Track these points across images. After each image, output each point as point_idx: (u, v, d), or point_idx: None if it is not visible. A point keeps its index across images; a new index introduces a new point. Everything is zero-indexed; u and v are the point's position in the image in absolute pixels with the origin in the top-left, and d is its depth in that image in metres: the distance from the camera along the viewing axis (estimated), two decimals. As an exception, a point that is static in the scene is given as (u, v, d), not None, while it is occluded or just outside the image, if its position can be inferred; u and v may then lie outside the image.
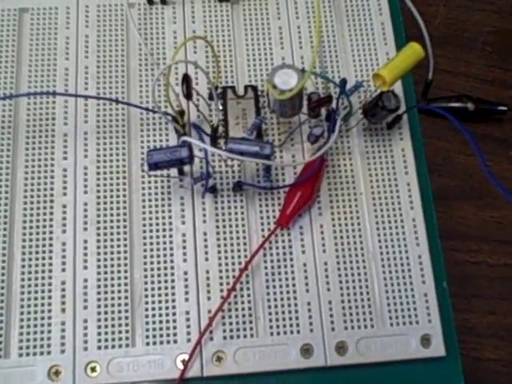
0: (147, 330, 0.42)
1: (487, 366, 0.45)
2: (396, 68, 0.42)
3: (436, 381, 0.43)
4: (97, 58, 0.48)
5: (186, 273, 0.43)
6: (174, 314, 0.43)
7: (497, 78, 0.53)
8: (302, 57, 0.49)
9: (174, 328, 0.42)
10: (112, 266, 0.43)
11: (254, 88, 0.48)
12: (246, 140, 0.42)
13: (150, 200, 0.45)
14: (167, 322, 0.42)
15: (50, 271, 0.43)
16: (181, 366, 0.41)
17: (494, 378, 0.45)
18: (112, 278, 0.43)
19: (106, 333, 0.42)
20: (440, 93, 0.51)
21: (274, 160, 0.45)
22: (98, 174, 0.45)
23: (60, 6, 0.50)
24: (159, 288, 0.43)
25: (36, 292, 0.43)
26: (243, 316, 0.43)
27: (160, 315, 0.43)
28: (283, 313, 0.43)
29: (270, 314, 0.43)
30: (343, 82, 0.45)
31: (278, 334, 0.42)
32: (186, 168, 0.45)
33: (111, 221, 0.44)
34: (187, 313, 0.43)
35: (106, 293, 0.43)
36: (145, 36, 0.49)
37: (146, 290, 0.43)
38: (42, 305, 0.42)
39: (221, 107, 0.47)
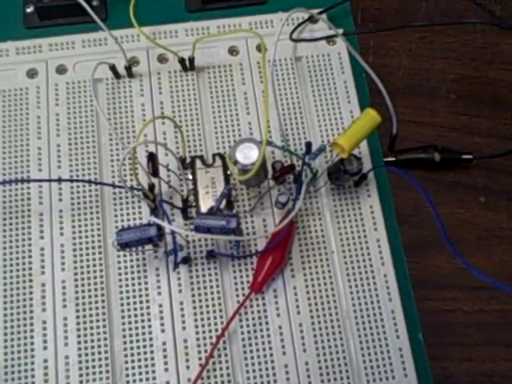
0: (129, 402, 0.43)
1: (465, 415, 0.46)
2: (354, 136, 0.43)
3: (414, 435, 0.44)
4: (68, 136, 0.50)
5: (164, 343, 0.44)
6: (155, 384, 0.43)
7: (462, 125, 0.54)
8: (269, 121, 0.50)
9: (156, 398, 0.43)
10: (92, 340, 0.44)
11: (222, 156, 0.49)
12: (212, 215, 0.43)
13: (126, 273, 0.46)
14: (148, 392, 0.43)
15: (32, 350, 0.44)
16: None
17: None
18: (93, 353, 0.44)
19: (90, 408, 0.43)
20: (407, 143, 0.52)
21: (242, 230, 0.47)
22: (75, 250, 0.46)
23: (30, 86, 0.51)
24: (139, 360, 0.44)
25: (19, 372, 0.44)
26: (222, 382, 0.44)
27: (141, 387, 0.43)
28: (261, 376, 0.44)
29: (248, 378, 0.44)
30: (308, 144, 0.46)
31: (258, 398, 0.43)
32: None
33: (89, 296, 0.45)
34: (167, 383, 0.44)
35: (87, 368, 0.44)
36: (113, 110, 0.51)
37: (126, 362, 0.44)
38: (26, 384, 0.43)
39: (190, 177, 0.48)
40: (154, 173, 0.44)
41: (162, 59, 0.53)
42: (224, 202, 0.46)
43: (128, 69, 0.51)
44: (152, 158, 0.44)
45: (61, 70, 0.52)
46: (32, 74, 0.52)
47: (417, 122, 0.54)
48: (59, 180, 0.48)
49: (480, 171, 0.52)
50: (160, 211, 0.46)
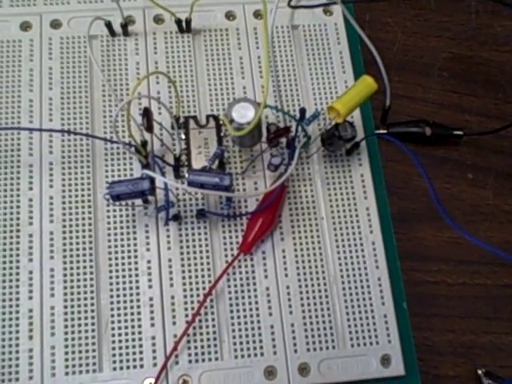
0: (114, 355, 0.43)
1: (446, 383, 0.46)
2: (350, 101, 0.43)
3: (397, 399, 0.44)
4: (61, 90, 0.49)
5: (151, 299, 0.44)
6: (140, 339, 0.43)
7: (453, 103, 0.54)
8: (263, 86, 0.50)
9: (141, 353, 0.43)
10: (79, 293, 0.44)
11: (216, 118, 0.49)
12: (205, 171, 0.43)
13: (115, 228, 0.46)
14: (133, 347, 0.43)
15: (17, 299, 0.44)
16: (147, 390, 0.42)
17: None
18: (79, 305, 0.44)
19: (74, 359, 0.43)
20: (399, 118, 0.52)
21: (234, 190, 0.47)
22: (64, 203, 0.46)
23: (24, 38, 0.51)
24: (125, 314, 0.44)
25: (3, 320, 0.43)
26: (208, 340, 0.44)
27: (126, 340, 0.43)
28: (247, 336, 0.44)
29: (234, 337, 0.44)
30: (302, 110, 0.45)
31: (243, 356, 0.43)
32: (150, 196, 0.45)
33: (77, 249, 0.45)
34: (153, 338, 0.43)
35: (72, 319, 0.44)
36: (108, 67, 0.50)
37: (112, 316, 0.44)
38: (10, 332, 0.43)
39: (183, 137, 0.48)
40: (149, 128, 0.43)
41: (158, 20, 0.52)
42: (216, 163, 0.46)
43: (124, 27, 0.50)
44: (147, 112, 0.43)
45: (55, 24, 0.51)
46: (25, 26, 0.51)
47: (409, 97, 0.54)
48: (62, 131, 0.48)
49: (469, 148, 0.53)
50: (153, 166, 0.46)
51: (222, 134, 0.48)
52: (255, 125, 0.42)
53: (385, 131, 0.51)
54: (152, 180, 0.42)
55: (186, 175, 0.44)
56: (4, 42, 0.51)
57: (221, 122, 0.48)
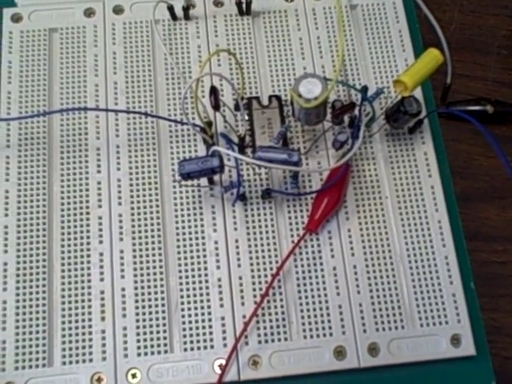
0: (184, 336, 0.43)
1: (517, 366, 0.46)
2: (416, 74, 0.43)
3: (467, 380, 0.44)
4: (125, 74, 0.50)
5: (219, 279, 0.45)
6: (210, 320, 0.44)
7: (513, 81, 0.54)
8: (323, 66, 0.50)
9: (211, 334, 0.43)
10: (148, 274, 0.45)
11: (278, 98, 0.49)
12: (273, 148, 0.43)
13: (182, 209, 0.46)
14: (203, 328, 0.44)
15: (89, 281, 0.44)
16: (218, 371, 0.42)
17: (524, 376, 0.46)
18: (149, 287, 0.44)
19: (145, 340, 0.43)
20: (458, 97, 0.52)
21: (301, 167, 0.46)
22: (131, 185, 0.47)
23: (88, 25, 0.51)
24: (194, 295, 0.44)
25: (76, 302, 0.44)
26: (277, 320, 0.44)
27: (196, 321, 0.44)
28: (315, 316, 0.44)
29: (302, 317, 0.44)
30: (364, 88, 0.46)
31: (311, 337, 0.44)
32: (216, 177, 0.46)
33: (145, 231, 0.46)
34: (222, 318, 0.44)
35: (143, 301, 0.44)
36: (170, 51, 0.51)
37: (181, 297, 0.44)
38: (83, 314, 0.44)
39: (247, 117, 0.48)
40: (216, 106, 0.44)
41: (217, 3, 0.52)
42: (281, 142, 0.46)
43: (185, 10, 0.51)
44: (214, 91, 0.44)
45: (117, 10, 0.52)
46: (89, 13, 0.52)
47: (468, 76, 0.54)
48: (116, 110, 0.48)
49: (531, 126, 0.52)
50: (222, 143, 0.46)
51: (284, 114, 0.48)
52: (325, 98, 0.42)
53: (446, 110, 0.51)
54: (221, 157, 0.42)
55: (251, 156, 0.45)
56: (69, 28, 0.51)
57: (283, 103, 0.48)
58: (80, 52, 0.50)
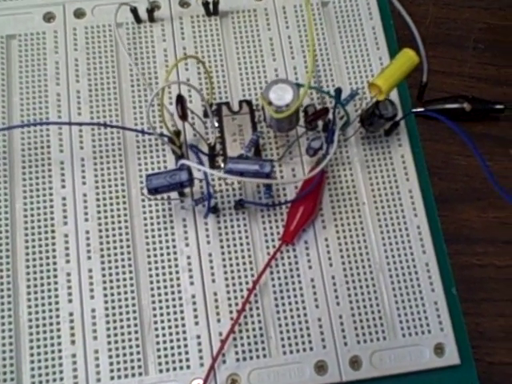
0: (159, 356, 0.42)
1: (502, 370, 0.45)
2: (391, 76, 0.41)
3: (452, 389, 0.43)
4: (88, 82, 0.48)
5: (193, 296, 0.43)
6: (185, 338, 0.42)
7: (491, 76, 0.52)
8: (295, 67, 0.49)
9: (186, 353, 0.42)
10: (119, 293, 0.43)
11: (249, 103, 0.47)
12: (244, 159, 0.41)
13: (152, 224, 0.44)
14: (179, 347, 0.42)
15: (57, 303, 0.43)
16: (196, 392, 0.41)
17: (509, 381, 0.45)
18: (120, 306, 0.43)
19: (118, 362, 0.42)
20: (435, 94, 0.51)
21: (275, 176, 0.45)
22: (98, 200, 0.45)
23: (47, 30, 0.49)
24: (168, 313, 0.43)
25: (44, 325, 0.42)
26: (254, 336, 0.42)
27: (171, 341, 0.42)
28: (294, 330, 0.43)
29: (281, 332, 0.43)
30: (338, 91, 0.44)
31: (291, 352, 0.42)
32: (187, 189, 0.44)
33: (114, 247, 0.44)
34: (198, 337, 0.42)
35: (114, 321, 0.42)
36: (135, 56, 0.49)
37: (154, 315, 0.43)
38: (52, 338, 0.42)
39: (216, 124, 0.46)
40: (183, 116, 0.42)
41: (183, 3, 0.50)
42: (252, 150, 0.44)
43: (150, 12, 0.49)
44: (181, 99, 0.42)
45: (78, 13, 0.50)
46: (49, 17, 0.50)
47: (444, 73, 0.53)
48: (76, 123, 0.46)
49: (510, 123, 0.51)
50: (191, 155, 0.44)
51: (256, 120, 0.47)
52: (297, 107, 0.40)
53: (422, 109, 0.50)
54: (190, 171, 0.41)
55: (222, 165, 0.43)
56: (28, 34, 0.49)
57: (254, 108, 0.47)
58: (40, 59, 0.48)
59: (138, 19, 0.49)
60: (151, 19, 0.49)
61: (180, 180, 0.41)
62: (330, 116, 0.44)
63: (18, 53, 0.48)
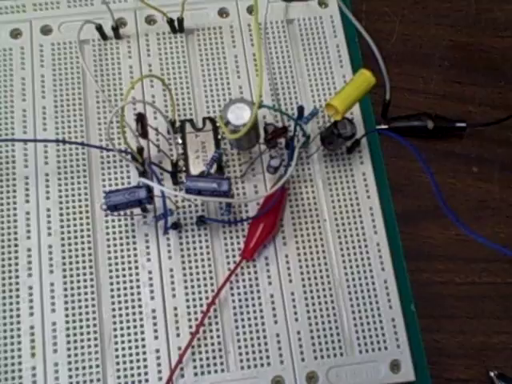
0: (118, 370, 0.42)
1: (459, 387, 0.45)
2: (348, 97, 0.42)
3: (407, 405, 0.43)
4: (54, 98, 0.48)
5: (154, 310, 0.44)
6: (144, 352, 0.43)
7: (455, 93, 0.53)
8: (262, 81, 0.49)
9: (145, 367, 0.43)
10: (80, 307, 0.43)
11: (212, 120, 0.48)
12: (203, 177, 0.42)
13: (114, 238, 0.45)
14: (137, 361, 0.43)
15: (18, 316, 0.43)
16: (153, 405, 0.41)
17: (465, 397, 0.46)
18: (80, 320, 0.43)
19: (77, 375, 0.42)
20: (400, 111, 0.51)
21: (233, 195, 0.46)
22: (61, 215, 0.45)
23: (14, 46, 0.50)
24: (128, 327, 0.43)
25: (5, 338, 0.43)
26: (213, 351, 0.43)
27: (130, 355, 0.43)
28: (253, 346, 0.43)
29: (239, 347, 0.43)
30: (300, 109, 0.44)
31: (249, 367, 0.43)
32: (149, 205, 0.45)
33: (77, 262, 0.44)
34: (157, 351, 0.43)
35: (75, 335, 0.43)
36: (101, 72, 0.49)
37: (115, 329, 0.43)
38: (12, 350, 0.42)
39: (180, 141, 0.47)
40: (144, 134, 0.43)
41: (150, 20, 0.51)
42: (215, 167, 0.45)
43: (115, 30, 0.49)
44: (141, 118, 0.43)
45: (45, 30, 0.50)
46: (16, 34, 0.50)
47: (410, 90, 0.53)
48: (56, 141, 0.47)
49: (473, 140, 0.52)
50: (149, 174, 0.45)
51: (219, 137, 0.47)
52: (251, 126, 0.41)
53: (386, 126, 0.50)
54: (149, 188, 0.41)
55: (184, 181, 0.44)
56: (-6, 50, 0.50)
57: (218, 125, 0.47)
58: (7, 75, 0.49)
59: (103, 36, 0.50)
60: (117, 36, 0.50)
61: (139, 197, 0.41)
62: (292, 133, 0.45)
63: (-16, 68, 0.49)
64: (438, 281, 0.48)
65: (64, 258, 0.44)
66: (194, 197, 0.41)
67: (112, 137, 0.47)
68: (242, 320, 0.44)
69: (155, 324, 0.43)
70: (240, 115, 0.41)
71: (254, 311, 0.44)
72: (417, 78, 0.54)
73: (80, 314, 0.43)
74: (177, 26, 0.50)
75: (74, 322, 0.43)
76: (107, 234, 0.45)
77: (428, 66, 0.54)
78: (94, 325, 0.43)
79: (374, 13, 0.56)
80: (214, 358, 0.43)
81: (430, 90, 0.53)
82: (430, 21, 0.56)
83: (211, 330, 0.43)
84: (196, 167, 0.46)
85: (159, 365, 0.43)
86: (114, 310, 0.44)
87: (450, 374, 0.45)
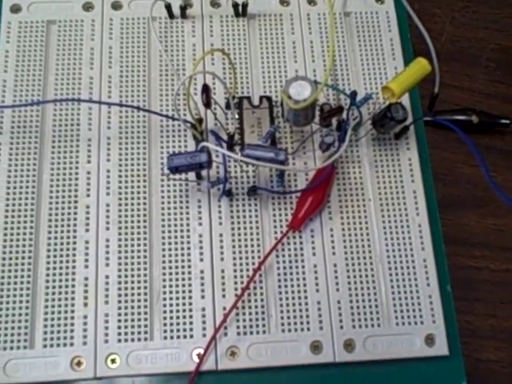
0: (165, 324, 0.44)
1: (488, 367, 0.47)
2: (404, 81, 0.44)
3: (439, 379, 0.45)
4: (120, 68, 0.51)
5: (202, 271, 0.45)
6: (191, 310, 0.45)
7: (499, 93, 0.55)
8: (315, 70, 0.51)
9: (191, 323, 0.44)
10: (132, 263, 0.46)
11: (269, 98, 0.50)
12: (261, 146, 0.44)
13: (168, 202, 0.47)
14: (184, 317, 0.44)
15: (74, 267, 0.45)
16: (196, 360, 0.43)
17: (494, 378, 0.47)
18: (132, 275, 0.45)
19: (126, 326, 0.44)
20: (445, 106, 0.53)
21: (288, 166, 0.47)
22: (120, 177, 0.47)
23: (86, 18, 0.52)
24: (177, 285, 0.45)
25: (60, 287, 0.45)
26: (256, 313, 0.45)
27: (177, 311, 0.45)
28: (294, 311, 0.45)
29: (281, 311, 0.45)
30: (353, 93, 0.47)
31: (290, 330, 0.44)
32: (204, 172, 0.47)
33: (132, 221, 0.47)
34: (203, 309, 0.45)
35: (126, 289, 0.45)
36: (165, 48, 0.52)
37: (164, 287, 0.45)
38: (66, 299, 0.45)
39: (237, 116, 0.49)
40: (207, 104, 0.45)
41: (214, 4, 0.54)
42: (269, 141, 0.47)
43: (183, 9, 0.52)
44: (206, 89, 0.45)
45: (116, 5, 0.53)
46: (88, 7, 0.53)
47: (456, 87, 0.55)
48: (109, 103, 0.49)
49: (515, 138, 0.53)
50: (211, 139, 0.47)
51: (274, 115, 0.49)
52: (313, 100, 0.43)
53: (432, 118, 0.52)
54: (209, 153, 0.43)
55: (239, 153, 0.46)
56: (67, 21, 0.52)
57: (274, 102, 0.49)
58: (77, 45, 0.52)
59: (171, 15, 0.52)
60: (183, 16, 0.53)
61: (200, 161, 0.43)
62: (344, 116, 0.47)
63: (56, 37, 0.52)
64: (473, 266, 0.49)
65: (120, 216, 0.47)
66: (253, 162, 0.43)
67: (178, 107, 0.50)
68: (286, 286, 0.46)
69: (202, 284, 0.45)
70: (301, 92, 0.43)
71: (298, 279, 0.46)
72: (463, 77, 0.56)
73: (132, 269, 0.45)
74: (240, 11, 0.53)
75: (125, 276, 0.45)
76: (162, 197, 0.47)
77: (475, 66, 0.56)
78: (145, 281, 0.45)
79: (426, 13, 0.58)
80: (257, 319, 0.45)
81: (475, 89, 0.55)
82: (479, 24, 0.58)
83: (255, 294, 0.45)
84: (251, 141, 0.48)
85: (204, 322, 0.44)
86: (164, 268, 0.46)
87: (480, 355, 0.47)
